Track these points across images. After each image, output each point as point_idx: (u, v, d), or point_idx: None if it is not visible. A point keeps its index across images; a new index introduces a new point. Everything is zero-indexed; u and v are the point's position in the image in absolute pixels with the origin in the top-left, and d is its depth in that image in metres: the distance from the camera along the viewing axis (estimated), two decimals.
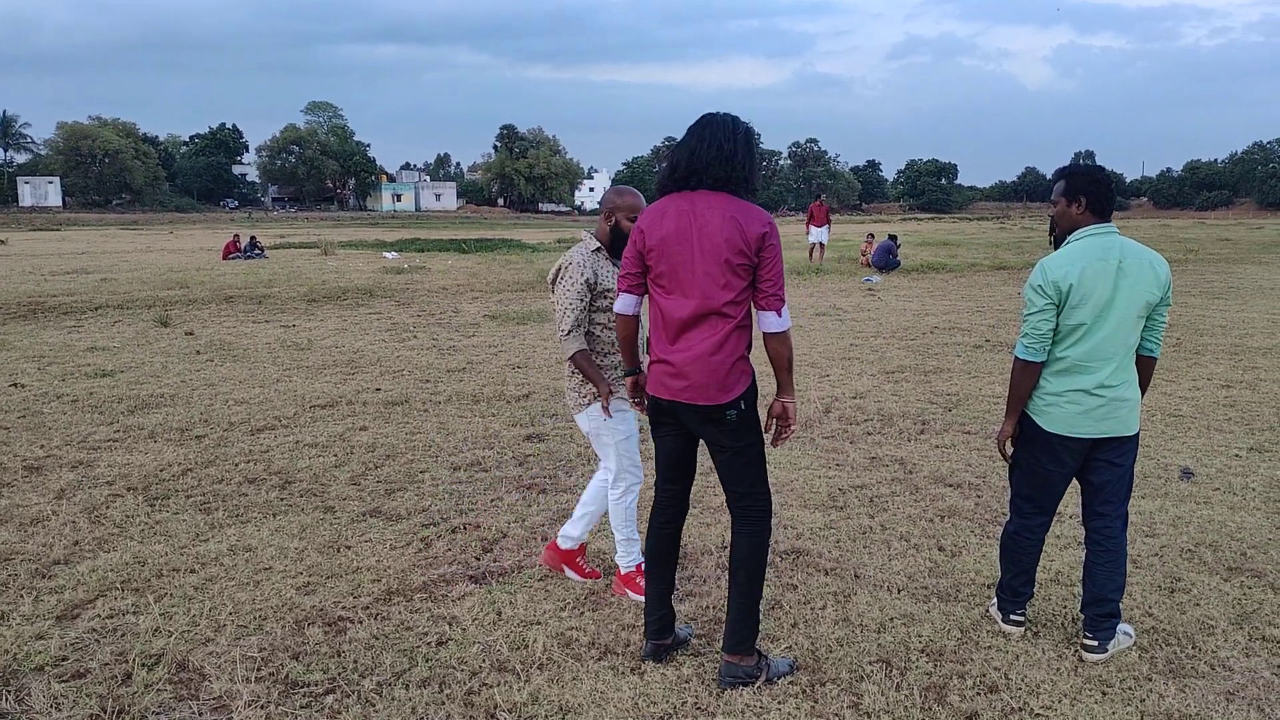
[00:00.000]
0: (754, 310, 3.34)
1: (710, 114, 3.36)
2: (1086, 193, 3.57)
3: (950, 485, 5.81)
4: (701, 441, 3.51)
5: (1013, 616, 3.87)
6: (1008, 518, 3.90)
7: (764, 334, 3.34)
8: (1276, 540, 4.88)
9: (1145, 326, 3.62)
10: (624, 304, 3.50)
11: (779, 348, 3.36)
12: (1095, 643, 3.64)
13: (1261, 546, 4.79)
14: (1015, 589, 3.85)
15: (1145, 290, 3.51)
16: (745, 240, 3.21)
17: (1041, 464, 3.68)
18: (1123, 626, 3.78)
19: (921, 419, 7.48)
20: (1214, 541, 4.86)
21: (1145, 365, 3.69)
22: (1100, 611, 3.65)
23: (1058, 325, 3.54)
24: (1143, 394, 3.71)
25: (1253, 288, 17.91)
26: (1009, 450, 3.81)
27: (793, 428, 3.54)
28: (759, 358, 3.46)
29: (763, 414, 3.51)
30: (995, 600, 3.97)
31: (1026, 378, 3.63)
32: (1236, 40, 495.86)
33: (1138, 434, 3.68)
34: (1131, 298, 3.49)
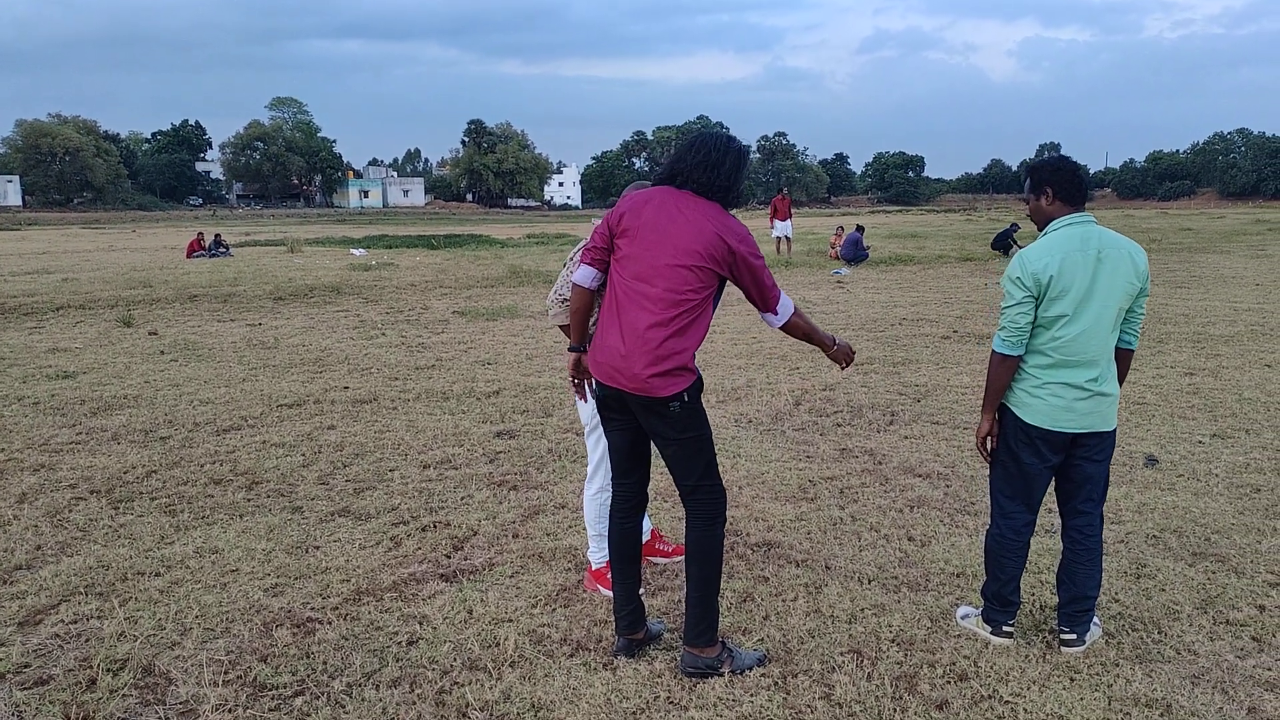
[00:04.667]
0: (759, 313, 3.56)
1: (715, 133, 3.52)
2: (1051, 182, 3.51)
3: (919, 475, 5.85)
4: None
5: (1004, 628, 3.71)
6: (990, 521, 3.77)
7: (780, 328, 3.62)
8: (1240, 525, 4.95)
9: (1124, 318, 3.55)
10: (583, 275, 3.54)
11: (790, 333, 3.64)
12: (1074, 635, 3.64)
13: (1225, 532, 4.86)
14: (1004, 598, 3.69)
15: (1125, 281, 3.44)
16: (717, 251, 3.32)
17: (1021, 459, 3.58)
18: (1095, 621, 3.78)
19: (890, 410, 7.52)
20: (1178, 527, 4.92)
21: (1123, 357, 3.63)
22: (1079, 608, 3.65)
23: (1037, 317, 3.47)
24: (1120, 386, 3.67)
25: (1214, 276, 18.17)
26: (989, 447, 3.71)
27: (852, 357, 3.80)
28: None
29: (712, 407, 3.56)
30: (980, 610, 3.81)
31: (1004, 371, 3.56)
32: (1198, 32, 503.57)
33: (1115, 429, 3.64)
34: (1111, 289, 3.43)
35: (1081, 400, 3.48)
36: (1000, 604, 3.71)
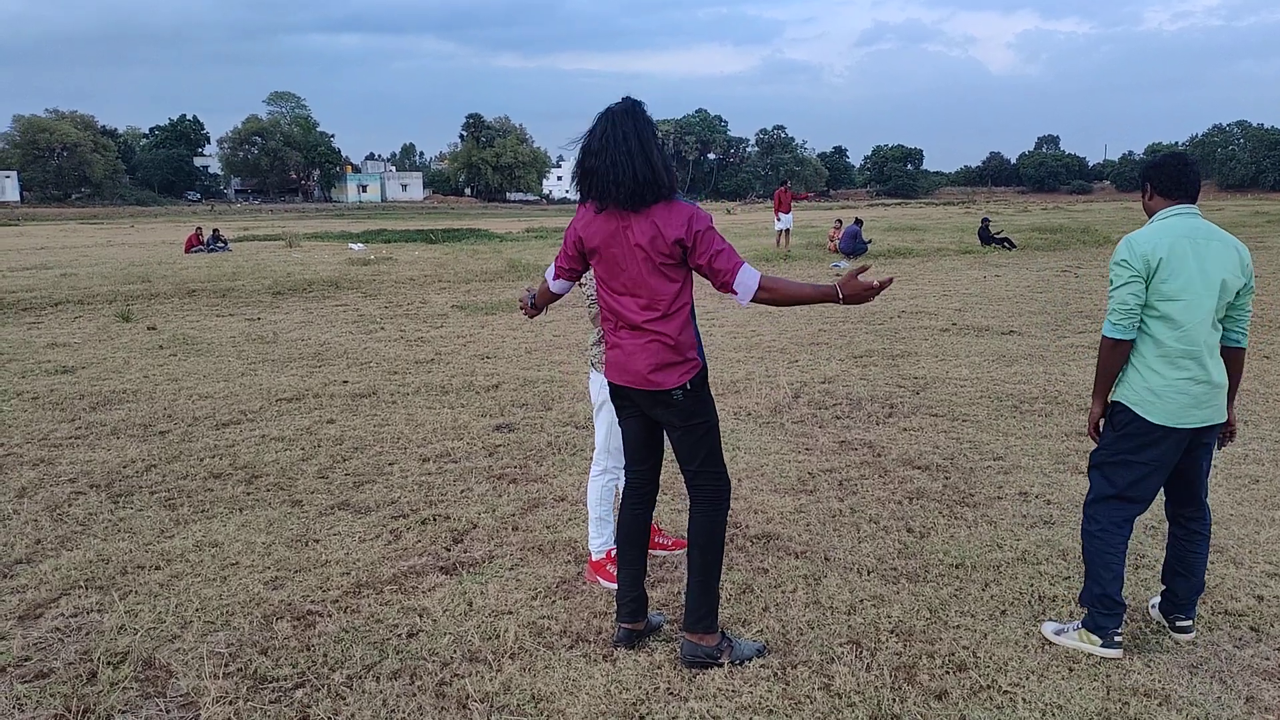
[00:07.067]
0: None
1: (607, 126, 3.26)
2: (1150, 177, 3.56)
3: (918, 467, 5.85)
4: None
5: (1115, 637, 3.54)
6: (1087, 519, 3.63)
7: (752, 302, 3.32)
8: (1238, 516, 4.96)
9: (1230, 316, 3.52)
10: (558, 287, 3.72)
11: (766, 300, 3.32)
12: (1190, 622, 3.69)
13: (1224, 522, 4.86)
14: (1112, 599, 3.52)
15: (1231, 273, 3.41)
16: (667, 244, 3.26)
17: (1141, 457, 3.50)
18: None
19: (889, 402, 7.53)
20: None
21: (1236, 356, 3.56)
22: (1196, 596, 3.68)
23: (1148, 303, 3.43)
24: (1235, 388, 3.61)
25: None
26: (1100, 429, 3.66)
27: (875, 293, 3.35)
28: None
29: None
30: (1077, 623, 3.65)
31: (1116, 357, 3.49)
32: (1197, 24, 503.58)
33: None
34: (1218, 279, 3.40)
35: (1205, 394, 3.44)
36: (1107, 608, 3.54)
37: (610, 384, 3.59)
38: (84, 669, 3.53)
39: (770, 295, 3.29)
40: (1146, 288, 3.42)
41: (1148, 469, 3.51)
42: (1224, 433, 3.70)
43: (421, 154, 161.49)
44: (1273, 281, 15.65)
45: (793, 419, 7.07)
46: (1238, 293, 3.48)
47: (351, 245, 26.76)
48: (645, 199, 3.26)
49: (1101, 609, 3.54)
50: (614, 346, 3.50)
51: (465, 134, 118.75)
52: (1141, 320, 3.47)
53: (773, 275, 3.34)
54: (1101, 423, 3.65)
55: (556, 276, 3.67)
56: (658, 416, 3.50)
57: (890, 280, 3.36)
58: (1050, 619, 3.80)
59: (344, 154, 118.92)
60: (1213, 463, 5.72)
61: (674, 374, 3.36)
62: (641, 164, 3.22)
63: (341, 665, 3.54)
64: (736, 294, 3.27)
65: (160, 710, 3.28)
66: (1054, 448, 6.19)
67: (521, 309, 3.87)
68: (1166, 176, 3.52)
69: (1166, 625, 3.75)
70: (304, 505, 5.30)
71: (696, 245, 3.25)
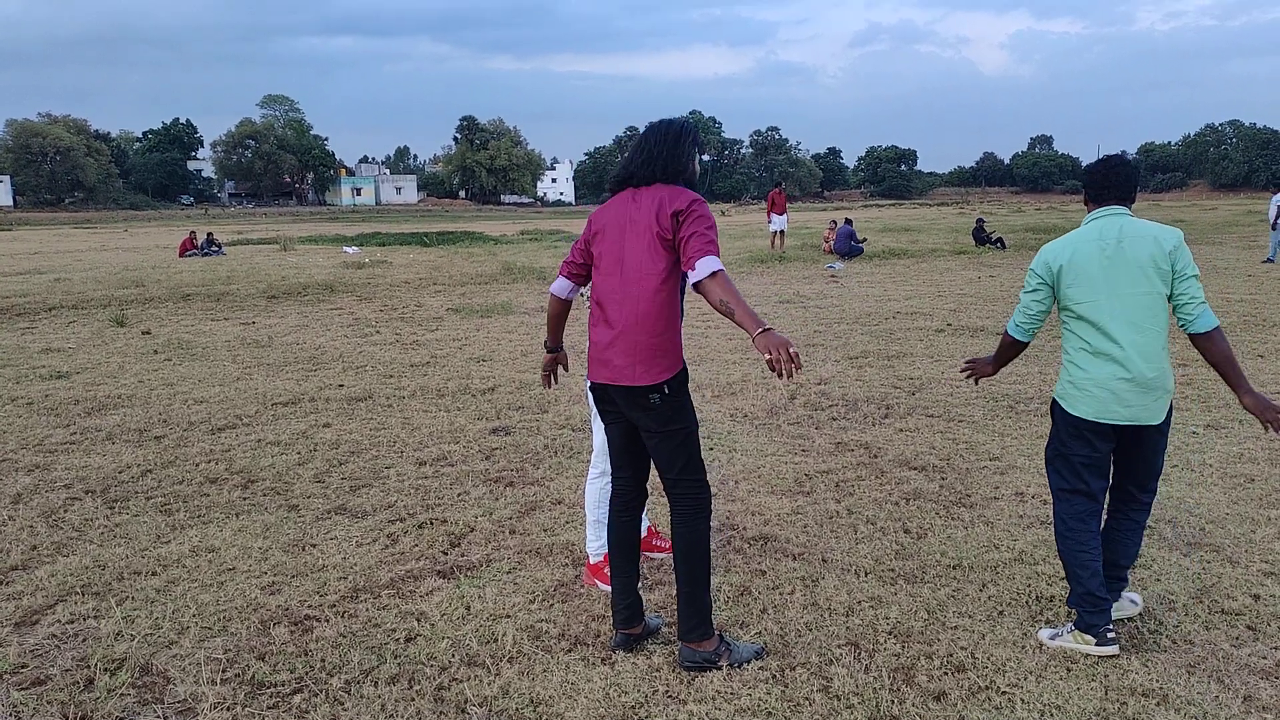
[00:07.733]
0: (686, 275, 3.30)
1: (651, 123, 3.57)
2: (1084, 184, 3.74)
3: (915, 468, 5.86)
4: None
5: (1108, 634, 3.53)
6: (1057, 521, 3.72)
7: (695, 288, 3.22)
8: (1234, 515, 4.97)
9: (1175, 305, 3.55)
10: (559, 286, 3.75)
11: (711, 289, 3.16)
12: (1125, 585, 3.75)
13: (1220, 522, 4.88)
14: (1095, 596, 3.54)
15: (1149, 264, 3.48)
16: (665, 216, 3.34)
17: (1073, 451, 3.62)
18: (1130, 595, 3.87)
19: (885, 403, 7.54)
20: (1173, 518, 4.94)
21: (1201, 342, 3.53)
22: (1111, 575, 3.70)
23: (1062, 305, 3.61)
24: (1228, 368, 3.51)
25: (1207, 267, 18.20)
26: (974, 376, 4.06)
27: (787, 351, 3.01)
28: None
29: (699, 396, 3.54)
30: (1070, 625, 3.65)
31: (1010, 350, 3.87)
32: (1189, 24, 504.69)
33: (1164, 422, 3.59)
34: (1135, 275, 3.48)
35: (1129, 391, 3.50)
36: (1093, 605, 3.56)
37: (591, 385, 3.58)
38: (81, 676, 3.52)
39: (716, 288, 3.15)
40: (1055, 293, 3.64)
41: (1081, 460, 3.62)
42: (1266, 420, 3.46)
43: (415, 157, 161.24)
44: (1266, 281, 15.71)
45: (789, 420, 7.07)
46: (1173, 282, 3.52)
47: (346, 248, 26.72)
48: (640, 177, 3.47)
49: (1088, 607, 3.57)
50: (593, 343, 3.50)
51: (459, 136, 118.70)
52: (1065, 319, 3.67)
53: (731, 282, 3.20)
54: (980, 370, 4.04)
55: (560, 274, 3.73)
56: (636, 420, 3.49)
57: (790, 377, 3.10)
58: (1044, 626, 3.78)
59: (338, 157, 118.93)
60: (1208, 461, 5.77)
61: (652, 372, 3.35)
62: (669, 148, 3.47)
63: (339, 670, 3.53)
64: (694, 270, 3.19)
65: (158, 716, 3.27)
66: None
67: (545, 377, 4.11)
68: (1093, 182, 3.67)
69: (1122, 611, 3.79)
70: (300, 510, 5.29)
71: (687, 218, 3.32)
